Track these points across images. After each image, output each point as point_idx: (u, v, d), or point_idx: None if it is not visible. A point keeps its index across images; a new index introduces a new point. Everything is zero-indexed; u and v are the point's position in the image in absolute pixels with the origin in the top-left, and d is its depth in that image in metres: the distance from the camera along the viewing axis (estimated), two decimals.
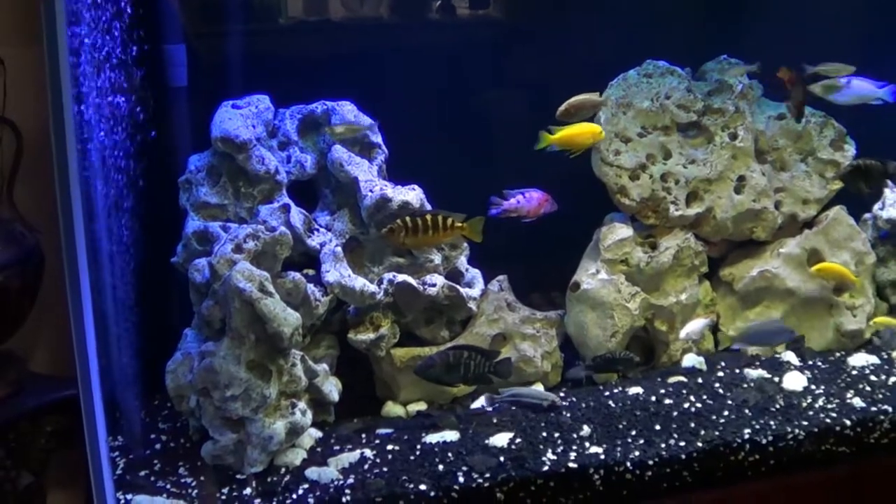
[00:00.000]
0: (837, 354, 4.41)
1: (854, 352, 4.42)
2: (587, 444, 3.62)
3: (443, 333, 4.10)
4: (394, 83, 4.25)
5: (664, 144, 4.32)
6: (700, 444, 3.60)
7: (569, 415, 3.83)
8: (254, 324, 3.46)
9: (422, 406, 4.05)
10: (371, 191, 3.91)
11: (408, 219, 3.74)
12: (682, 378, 4.15)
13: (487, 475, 3.43)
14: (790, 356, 4.35)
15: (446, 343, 4.07)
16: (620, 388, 4.06)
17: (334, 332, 4.06)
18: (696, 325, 4.29)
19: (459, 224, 3.80)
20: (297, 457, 3.59)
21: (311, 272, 3.93)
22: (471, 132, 4.43)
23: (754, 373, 4.16)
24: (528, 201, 3.98)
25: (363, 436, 3.79)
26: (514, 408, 3.91)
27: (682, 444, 3.61)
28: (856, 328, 4.44)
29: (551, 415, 3.83)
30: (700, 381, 4.12)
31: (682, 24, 4.55)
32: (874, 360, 4.31)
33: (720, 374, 4.20)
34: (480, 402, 4.02)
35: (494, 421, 3.83)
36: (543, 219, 4.02)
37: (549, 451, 3.57)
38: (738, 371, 4.21)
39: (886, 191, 4.59)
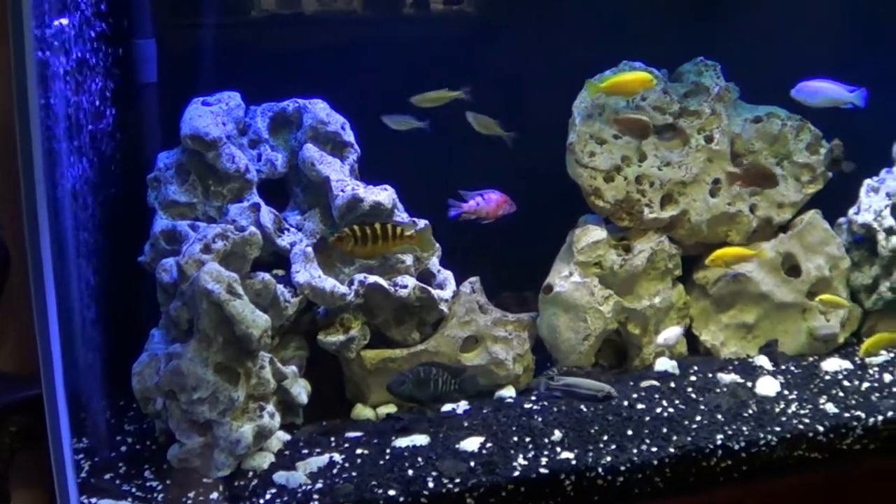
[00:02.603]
0: (811, 359, 4.41)
1: (827, 356, 4.42)
2: (558, 450, 3.58)
3: (414, 335, 4.05)
4: (368, 79, 4.18)
5: (639, 146, 4.28)
6: (672, 450, 3.57)
7: (540, 419, 3.78)
8: (222, 325, 3.40)
9: (392, 409, 4.00)
10: (342, 191, 3.86)
11: (356, 227, 3.69)
12: (655, 382, 4.12)
13: (458, 480, 3.38)
14: (763, 360, 4.34)
15: (417, 345, 4.03)
16: None
17: (304, 333, 4.00)
18: (673, 332, 4.26)
19: (409, 233, 3.76)
20: (264, 460, 3.54)
21: (280, 273, 3.88)
22: (446, 130, 4.38)
23: (727, 377, 4.14)
24: (486, 202, 3.94)
25: (332, 439, 3.73)
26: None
27: (654, 449, 3.57)
28: (829, 332, 4.44)
29: (522, 419, 3.79)
30: (673, 385, 4.09)
31: (659, 24, 4.52)
32: (847, 364, 4.31)
33: (693, 378, 4.18)
34: (450, 404, 3.98)
35: (465, 424, 3.79)
36: (502, 220, 4.01)
37: (520, 456, 3.53)
38: (710, 375, 4.19)
39: (861, 195, 4.58)
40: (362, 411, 4.00)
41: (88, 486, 3.45)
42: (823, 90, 4.13)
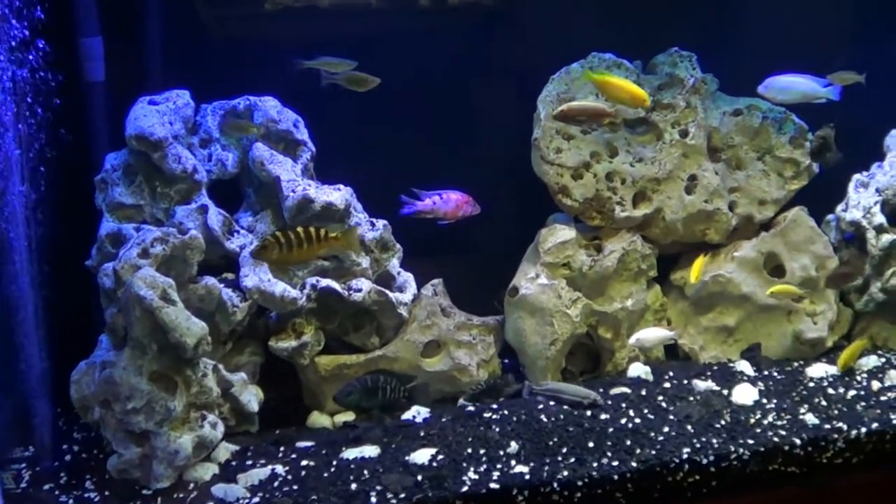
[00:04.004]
0: (795, 364, 4.21)
1: (814, 361, 4.22)
2: (513, 463, 3.40)
3: (373, 340, 3.92)
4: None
5: (610, 142, 4.10)
6: (634, 464, 3.38)
7: (497, 429, 3.61)
8: (155, 333, 3.30)
9: (350, 416, 3.88)
10: (293, 191, 3.73)
11: (279, 234, 3.56)
12: (626, 389, 3.93)
13: (402, 495, 3.23)
14: (744, 366, 4.14)
15: (376, 350, 3.90)
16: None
17: (260, 338, 3.89)
18: (651, 334, 4.06)
19: (334, 235, 3.63)
20: (207, 472, 3.43)
21: (230, 276, 3.77)
22: (410, 128, 4.24)
23: (702, 384, 3.94)
24: (444, 203, 3.78)
25: (281, 449, 3.62)
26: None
27: (615, 463, 3.38)
28: (816, 336, 4.24)
29: (480, 429, 3.62)
30: (644, 392, 3.90)
31: (633, 15, 4.33)
32: (834, 370, 4.08)
33: (666, 385, 3.99)
34: (410, 413, 3.84)
35: (421, 434, 3.64)
36: (463, 221, 3.84)
37: (472, 469, 3.36)
38: (685, 382, 3.99)
39: (850, 191, 4.34)
40: (318, 419, 3.88)
41: (25, 497, 3.38)
42: (795, 84, 3.91)
